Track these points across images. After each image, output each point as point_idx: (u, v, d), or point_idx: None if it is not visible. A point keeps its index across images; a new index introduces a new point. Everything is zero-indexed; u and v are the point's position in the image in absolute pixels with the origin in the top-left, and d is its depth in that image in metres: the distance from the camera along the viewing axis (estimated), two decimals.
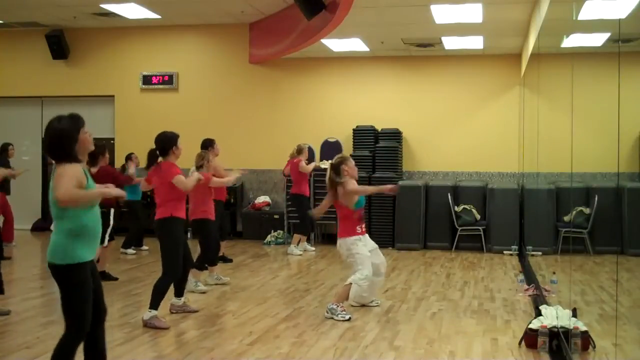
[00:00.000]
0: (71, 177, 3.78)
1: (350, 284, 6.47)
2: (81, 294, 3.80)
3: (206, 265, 7.81)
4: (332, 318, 6.27)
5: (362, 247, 6.54)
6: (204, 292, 7.48)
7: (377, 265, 6.70)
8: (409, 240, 11.32)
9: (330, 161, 6.73)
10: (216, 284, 7.93)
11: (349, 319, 6.24)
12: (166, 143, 6.15)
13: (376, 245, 6.83)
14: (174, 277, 6.12)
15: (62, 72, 13.43)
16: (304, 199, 10.71)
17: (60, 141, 3.83)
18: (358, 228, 6.58)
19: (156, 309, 5.98)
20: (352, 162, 6.65)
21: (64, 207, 3.78)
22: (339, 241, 6.61)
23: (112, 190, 4.07)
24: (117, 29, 13.03)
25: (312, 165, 10.90)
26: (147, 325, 5.92)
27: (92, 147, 3.99)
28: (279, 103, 12.90)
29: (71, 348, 3.83)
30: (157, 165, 6.34)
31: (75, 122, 3.87)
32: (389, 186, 7.30)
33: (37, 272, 9.07)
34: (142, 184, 6.57)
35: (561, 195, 8.81)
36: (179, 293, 6.49)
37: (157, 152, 6.35)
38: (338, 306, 6.34)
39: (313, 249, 11.02)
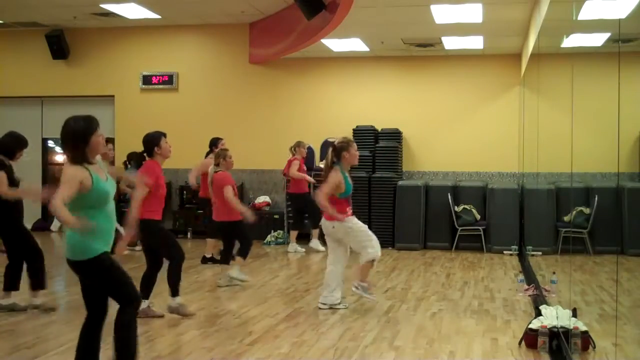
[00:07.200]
0: (72, 184, 3.82)
1: (372, 260, 6.53)
2: (116, 273, 3.99)
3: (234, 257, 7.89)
4: (362, 295, 6.63)
5: (359, 223, 6.62)
6: (244, 281, 7.78)
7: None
8: (409, 240, 11.31)
9: (333, 140, 6.67)
10: (241, 279, 7.84)
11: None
12: (148, 144, 6.18)
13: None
14: (180, 258, 6.26)
15: (62, 72, 13.42)
16: (301, 196, 10.70)
17: (72, 142, 3.91)
18: (348, 210, 6.61)
19: (178, 295, 6.25)
20: (354, 149, 6.60)
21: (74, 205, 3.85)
22: (333, 224, 6.53)
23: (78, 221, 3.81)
24: (117, 29, 13.03)
25: (302, 176, 10.70)
26: (172, 311, 6.21)
27: (103, 151, 4.06)
28: (279, 103, 12.90)
29: (133, 320, 4.07)
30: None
31: (89, 124, 3.95)
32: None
33: None
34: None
35: (561, 195, 8.81)
36: (146, 295, 6.14)
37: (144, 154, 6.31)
38: (368, 285, 6.66)
39: (303, 250, 10.88)
